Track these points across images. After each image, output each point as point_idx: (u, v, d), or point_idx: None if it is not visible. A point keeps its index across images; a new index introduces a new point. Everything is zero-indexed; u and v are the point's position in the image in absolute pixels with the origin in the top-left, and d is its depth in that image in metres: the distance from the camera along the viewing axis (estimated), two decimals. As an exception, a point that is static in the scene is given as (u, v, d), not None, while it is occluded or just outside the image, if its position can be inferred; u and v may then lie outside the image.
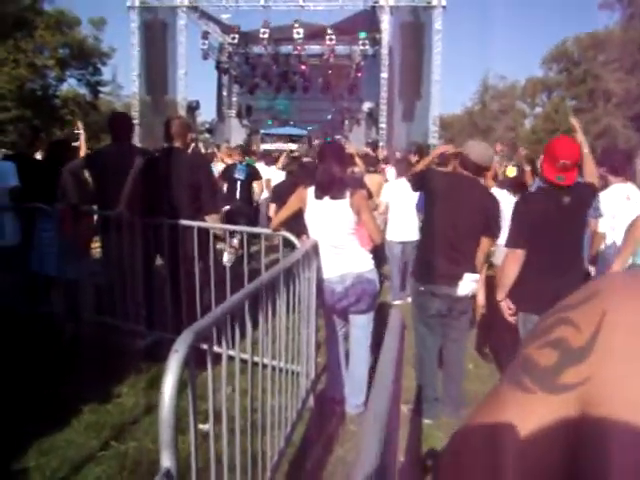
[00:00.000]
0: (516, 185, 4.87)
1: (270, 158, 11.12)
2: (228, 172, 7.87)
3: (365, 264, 3.33)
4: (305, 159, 8.86)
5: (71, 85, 32.67)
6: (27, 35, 27.87)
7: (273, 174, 9.50)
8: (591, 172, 3.36)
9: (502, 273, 3.22)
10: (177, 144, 4.20)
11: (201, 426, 1.91)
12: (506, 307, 3.24)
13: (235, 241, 5.62)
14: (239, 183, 7.71)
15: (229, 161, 8.79)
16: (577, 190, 3.07)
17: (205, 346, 1.71)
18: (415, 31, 17.56)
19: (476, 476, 0.51)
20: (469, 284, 3.26)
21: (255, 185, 8.05)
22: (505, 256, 3.20)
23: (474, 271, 3.29)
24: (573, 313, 0.50)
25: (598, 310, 0.47)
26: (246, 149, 9.76)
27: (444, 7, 17.40)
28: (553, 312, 0.53)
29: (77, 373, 3.45)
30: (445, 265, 3.25)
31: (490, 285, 5.49)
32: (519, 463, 0.48)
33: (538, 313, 2.99)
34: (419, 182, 3.59)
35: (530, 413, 0.48)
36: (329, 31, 19.01)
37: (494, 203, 3.42)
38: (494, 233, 3.36)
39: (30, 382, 3.46)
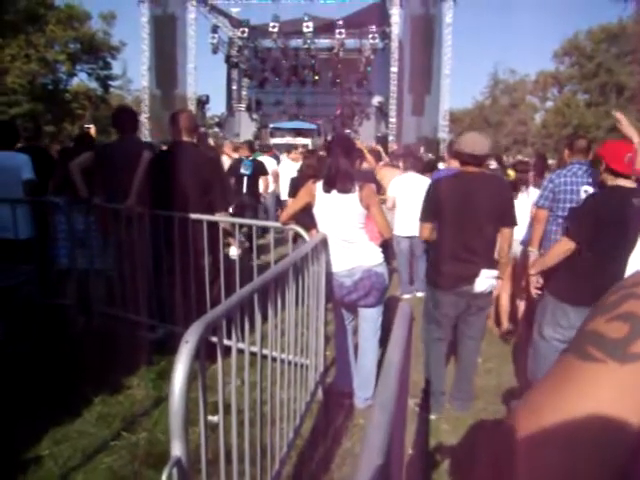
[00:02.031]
0: (514, 187, 4.91)
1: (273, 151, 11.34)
2: (234, 168, 7.91)
3: (374, 258, 3.34)
4: (322, 153, 8.86)
5: (82, 79, 32.87)
6: (38, 30, 28.03)
7: (284, 168, 9.60)
8: None
9: (549, 255, 3.22)
10: (184, 138, 4.21)
11: (211, 417, 1.94)
12: (536, 282, 3.32)
13: (242, 237, 5.65)
14: (245, 178, 7.76)
15: (235, 156, 8.83)
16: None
17: (215, 339, 1.73)
18: (425, 24, 17.49)
19: (550, 449, 0.50)
20: (486, 281, 3.23)
21: (261, 180, 8.11)
22: (559, 242, 3.18)
23: (491, 267, 3.25)
24: None
25: None
26: (253, 144, 9.80)
27: (455, 0, 17.29)
28: (617, 289, 0.53)
29: (88, 364, 3.49)
30: (461, 267, 3.21)
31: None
32: (593, 434, 0.48)
33: (575, 305, 3.00)
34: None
35: (602, 383, 0.49)
36: (339, 24, 18.96)
37: (506, 190, 3.37)
38: (513, 221, 3.29)
39: (43, 373, 3.52)
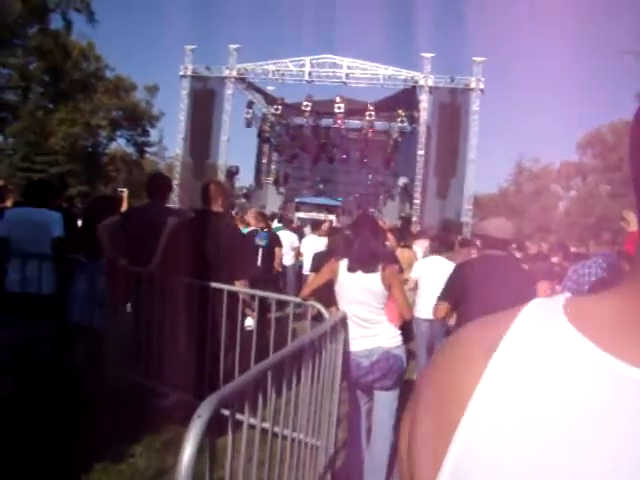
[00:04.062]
0: None
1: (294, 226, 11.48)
2: (250, 238, 7.99)
3: (393, 340, 3.28)
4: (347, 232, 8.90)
5: (119, 144, 34.39)
6: (86, 97, 29.75)
7: (308, 242, 9.64)
8: None
9: None
10: (213, 207, 4.31)
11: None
12: None
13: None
14: (260, 250, 7.81)
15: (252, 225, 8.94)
16: None
17: (227, 412, 1.69)
18: (453, 111, 18.14)
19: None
20: None
21: (276, 251, 8.15)
22: None
23: None
24: None
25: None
26: (271, 216, 9.95)
27: (482, 90, 17.98)
28: None
29: (94, 428, 3.42)
30: None
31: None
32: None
33: None
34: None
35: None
36: (369, 107, 19.71)
37: (529, 275, 3.34)
38: None
39: (47, 433, 3.44)
